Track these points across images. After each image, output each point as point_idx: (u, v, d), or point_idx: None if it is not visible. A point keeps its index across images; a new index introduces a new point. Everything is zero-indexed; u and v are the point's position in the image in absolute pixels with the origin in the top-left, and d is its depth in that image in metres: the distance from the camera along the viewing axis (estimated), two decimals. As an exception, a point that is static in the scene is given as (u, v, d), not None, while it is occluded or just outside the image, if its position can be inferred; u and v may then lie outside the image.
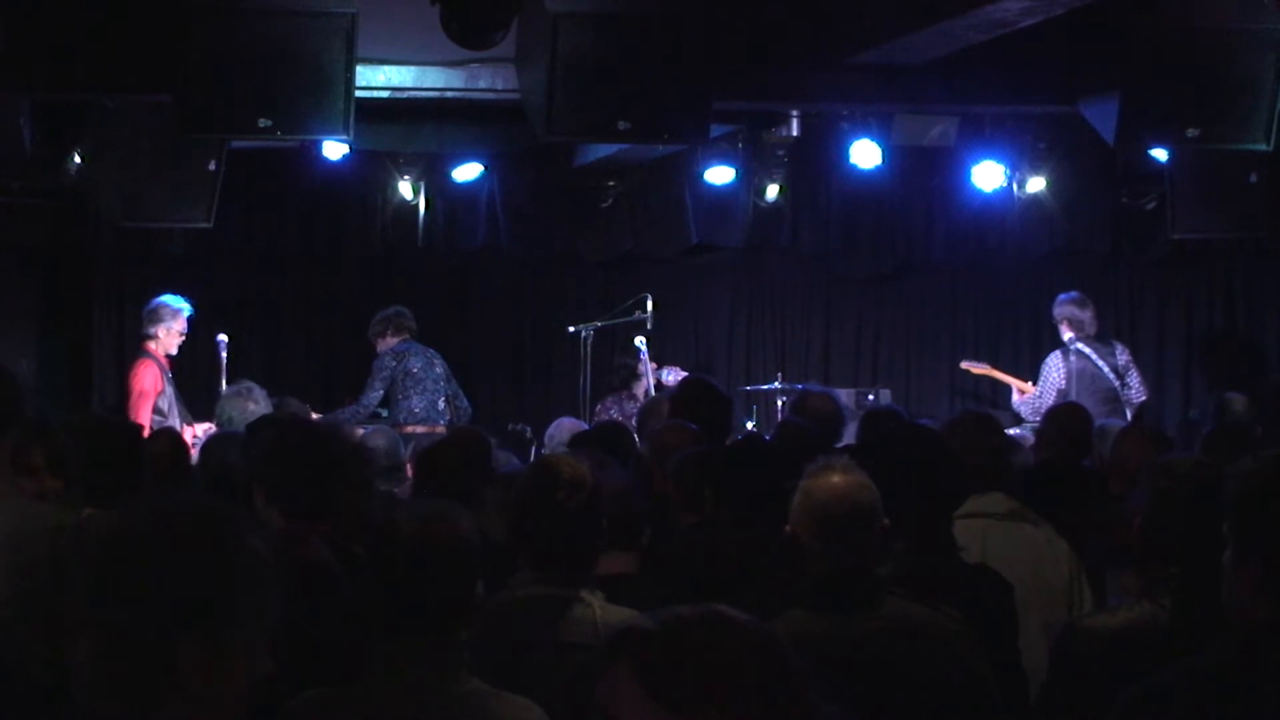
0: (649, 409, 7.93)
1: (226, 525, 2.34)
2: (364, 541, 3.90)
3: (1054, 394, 10.88)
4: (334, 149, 10.45)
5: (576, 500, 3.92)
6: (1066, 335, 11.06)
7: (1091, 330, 11.01)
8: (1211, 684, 2.72)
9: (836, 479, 3.87)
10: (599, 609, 3.86)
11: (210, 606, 2.26)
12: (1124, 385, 10.89)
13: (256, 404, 7.96)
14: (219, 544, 2.30)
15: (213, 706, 2.28)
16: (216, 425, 8.63)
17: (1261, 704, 2.67)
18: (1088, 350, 10.92)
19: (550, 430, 9.08)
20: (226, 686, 2.29)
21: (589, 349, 11.27)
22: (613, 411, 10.99)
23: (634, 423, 10.79)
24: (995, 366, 11.76)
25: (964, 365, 11.94)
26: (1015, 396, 11.40)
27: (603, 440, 6.74)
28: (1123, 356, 11.01)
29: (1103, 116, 8.67)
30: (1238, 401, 9.34)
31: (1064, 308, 11.12)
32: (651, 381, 10.89)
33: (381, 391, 10.84)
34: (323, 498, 4.14)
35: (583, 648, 3.77)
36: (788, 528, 3.91)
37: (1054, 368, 11.02)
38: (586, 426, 9.12)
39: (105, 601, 2.26)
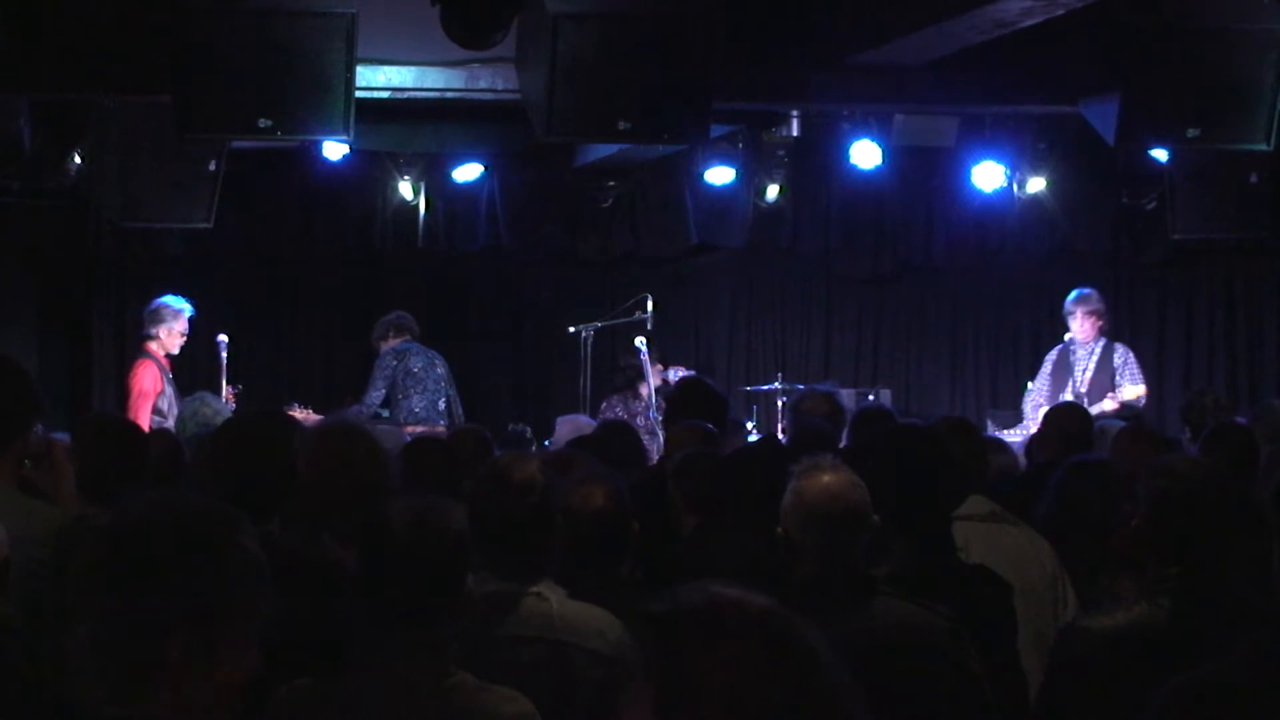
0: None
1: (222, 524, 2.35)
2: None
3: (1045, 384, 10.89)
4: (334, 149, 10.46)
5: (527, 504, 3.91)
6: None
7: (1077, 331, 10.89)
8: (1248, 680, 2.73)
9: (827, 478, 3.88)
10: (556, 603, 3.87)
11: (202, 605, 2.28)
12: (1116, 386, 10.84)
13: (208, 408, 7.91)
14: (214, 542, 2.32)
15: (201, 703, 2.29)
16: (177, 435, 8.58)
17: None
18: (1072, 349, 10.89)
19: (559, 428, 9.07)
20: (215, 684, 2.30)
21: (589, 349, 11.27)
22: (618, 410, 11.00)
23: (638, 422, 10.84)
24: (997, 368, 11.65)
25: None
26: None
27: (604, 442, 6.71)
28: (1120, 359, 10.94)
29: (1103, 116, 8.67)
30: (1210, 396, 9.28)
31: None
32: (654, 382, 10.88)
33: (384, 391, 10.83)
34: (265, 502, 4.14)
35: (538, 641, 3.78)
36: (779, 529, 3.92)
37: (1046, 361, 11.03)
38: (594, 423, 9.12)
39: (100, 595, 2.28)
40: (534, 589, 3.87)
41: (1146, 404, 11.02)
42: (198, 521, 2.34)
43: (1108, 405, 10.60)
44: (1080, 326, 10.80)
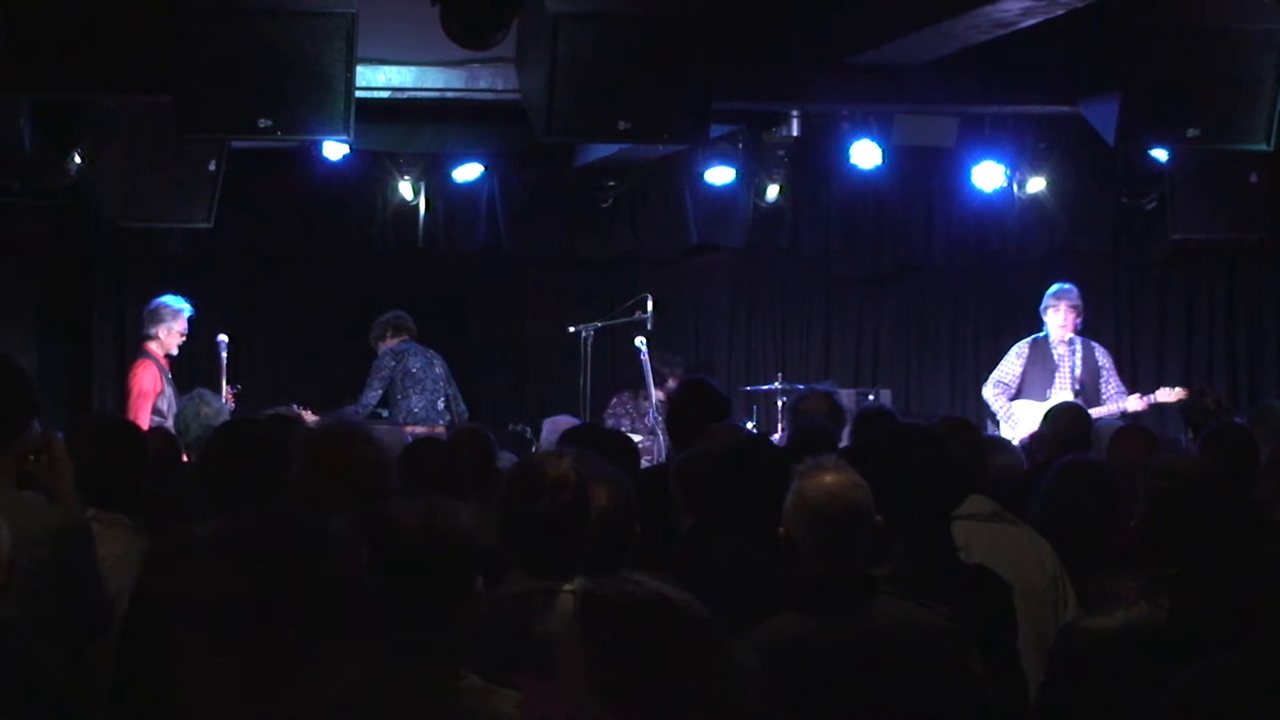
0: None
1: (343, 539, 2.34)
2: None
3: (1015, 379, 10.84)
4: (334, 149, 10.47)
5: (562, 501, 3.91)
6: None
7: (1058, 324, 10.81)
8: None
9: (829, 478, 3.88)
10: None
11: (347, 619, 2.26)
12: (1104, 386, 10.81)
13: (209, 408, 7.92)
14: (348, 558, 2.31)
15: (314, 715, 2.27)
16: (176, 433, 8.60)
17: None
18: (1051, 345, 10.85)
19: (545, 430, 9.07)
20: (325, 701, 2.28)
21: (589, 349, 11.27)
22: (627, 406, 11.01)
23: (644, 421, 10.84)
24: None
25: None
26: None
27: (594, 442, 6.68)
28: (1103, 359, 10.92)
29: (1103, 116, 8.68)
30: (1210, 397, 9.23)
31: None
32: (657, 390, 10.84)
33: (380, 391, 10.84)
34: (260, 500, 4.14)
35: None
36: (781, 529, 3.92)
37: (1014, 356, 10.95)
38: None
39: (242, 621, 2.23)
40: (568, 587, 3.87)
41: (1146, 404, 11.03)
42: (323, 538, 2.32)
43: (1134, 404, 10.58)
44: (1063, 320, 10.76)
